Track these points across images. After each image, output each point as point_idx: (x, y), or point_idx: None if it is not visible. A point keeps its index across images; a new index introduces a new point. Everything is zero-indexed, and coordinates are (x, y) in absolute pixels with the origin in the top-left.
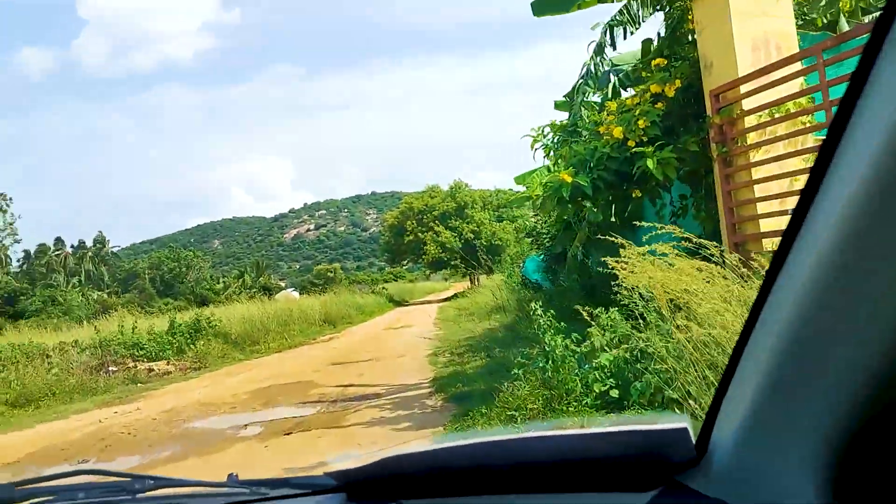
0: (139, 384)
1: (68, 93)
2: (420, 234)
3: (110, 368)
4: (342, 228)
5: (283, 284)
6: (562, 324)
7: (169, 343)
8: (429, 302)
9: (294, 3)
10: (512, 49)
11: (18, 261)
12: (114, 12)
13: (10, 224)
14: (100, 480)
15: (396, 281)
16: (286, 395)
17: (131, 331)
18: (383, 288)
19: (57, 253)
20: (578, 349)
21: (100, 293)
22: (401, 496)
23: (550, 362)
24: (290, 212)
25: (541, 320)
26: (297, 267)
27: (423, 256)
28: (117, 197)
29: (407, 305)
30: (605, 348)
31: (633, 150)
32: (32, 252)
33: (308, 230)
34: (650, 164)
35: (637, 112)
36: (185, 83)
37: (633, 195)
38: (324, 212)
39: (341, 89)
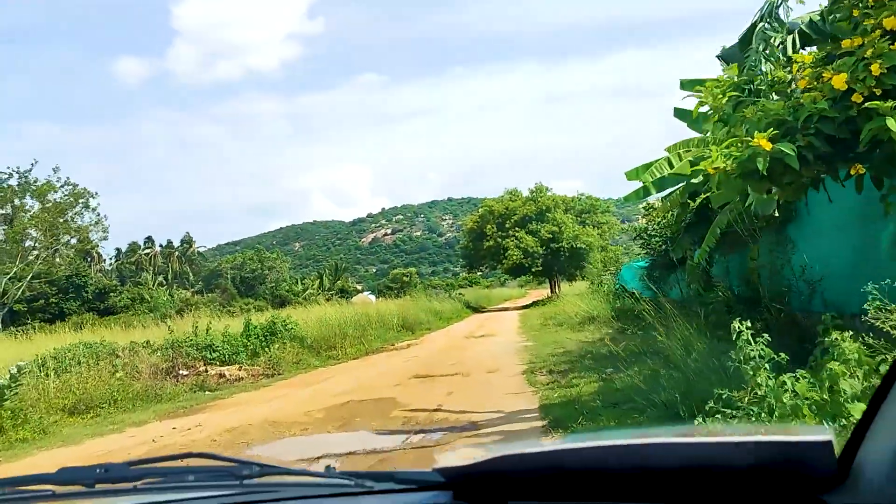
0: (207, 392)
1: (161, 100)
2: (500, 238)
3: (180, 372)
4: (418, 233)
5: (359, 288)
6: (781, 355)
7: (243, 346)
8: (506, 309)
9: (376, 12)
10: (591, 56)
11: (110, 259)
12: (204, 22)
13: (97, 221)
14: (209, 465)
15: (471, 287)
16: (365, 415)
17: (206, 332)
18: (460, 293)
19: (147, 252)
20: (815, 394)
21: (184, 291)
22: (511, 497)
23: (772, 414)
24: (367, 216)
25: (749, 349)
26: (374, 271)
27: (503, 262)
28: (204, 200)
29: (484, 312)
30: (858, 396)
31: (861, 105)
32: (123, 251)
33: (385, 234)
34: (892, 123)
35: (868, 53)
36: (271, 92)
37: (851, 171)
38: (400, 216)
39: (421, 97)
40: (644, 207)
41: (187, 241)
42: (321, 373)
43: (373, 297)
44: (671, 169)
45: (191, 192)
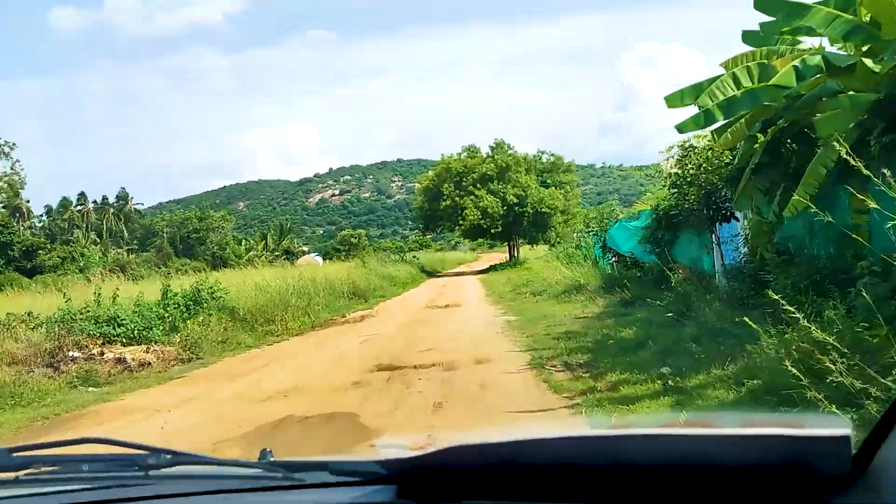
0: (91, 388)
1: (100, 53)
2: (458, 198)
3: (70, 354)
4: (367, 195)
5: (306, 249)
6: None
7: (159, 318)
8: (462, 274)
9: None
10: (545, 19)
11: (41, 215)
12: None
13: (14, 172)
14: (109, 451)
15: (422, 250)
16: (313, 449)
17: (111, 300)
18: (415, 257)
19: (79, 208)
20: None
21: (118, 251)
22: (465, 495)
23: None
24: (315, 176)
25: None
26: (321, 232)
27: (462, 223)
28: (145, 157)
29: (439, 277)
30: None
31: None
32: (55, 207)
33: (333, 195)
34: None
35: None
36: (215, 46)
37: None
38: (349, 177)
39: (372, 56)
40: (681, 146)
41: (123, 198)
42: (253, 357)
43: (319, 260)
44: (738, 89)
45: (131, 148)
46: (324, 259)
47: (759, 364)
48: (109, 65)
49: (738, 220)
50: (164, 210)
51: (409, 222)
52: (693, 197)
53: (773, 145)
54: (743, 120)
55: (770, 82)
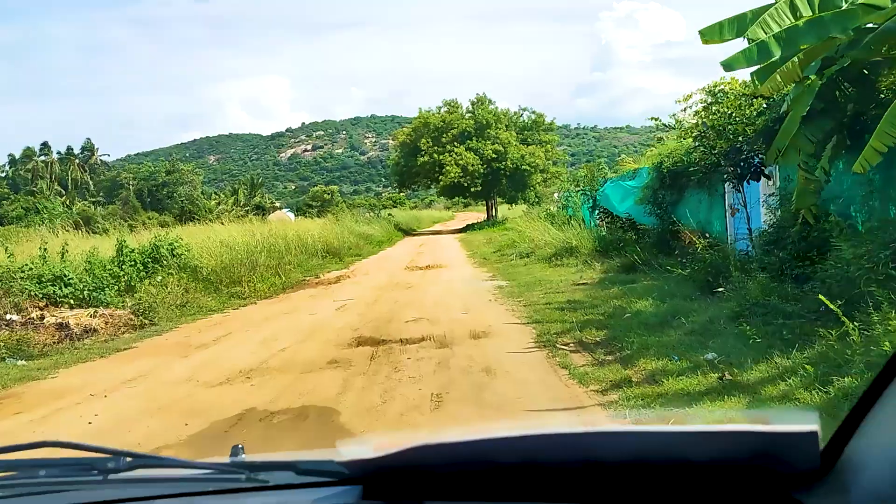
0: (21, 361)
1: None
2: (436, 154)
3: (8, 317)
4: (340, 151)
5: (277, 205)
6: None
7: (113, 277)
8: (438, 232)
9: None
10: None
11: (3, 165)
12: None
13: None
14: (67, 455)
15: (396, 207)
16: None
17: (60, 255)
18: (390, 214)
19: (43, 159)
20: None
21: (84, 203)
22: (430, 495)
23: None
24: (287, 131)
25: None
26: (293, 188)
27: (440, 179)
28: (113, 107)
29: (415, 235)
30: None
31: None
32: (18, 157)
33: (305, 150)
34: None
35: None
36: None
37: None
38: (322, 133)
39: (347, 9)
40: (709, 90)
41: (89, 149)
42: (215, 325)
43: (291, 215)
44: (796, 19)
45: (98, 98)
46: (296, 215)
47: (847, 356)
48: (74, 11)
49: (768, 177)
50: (132, 162)
51: (383, 179)
52: (719, 150)
53: (828, 89)
54: (798, 57)
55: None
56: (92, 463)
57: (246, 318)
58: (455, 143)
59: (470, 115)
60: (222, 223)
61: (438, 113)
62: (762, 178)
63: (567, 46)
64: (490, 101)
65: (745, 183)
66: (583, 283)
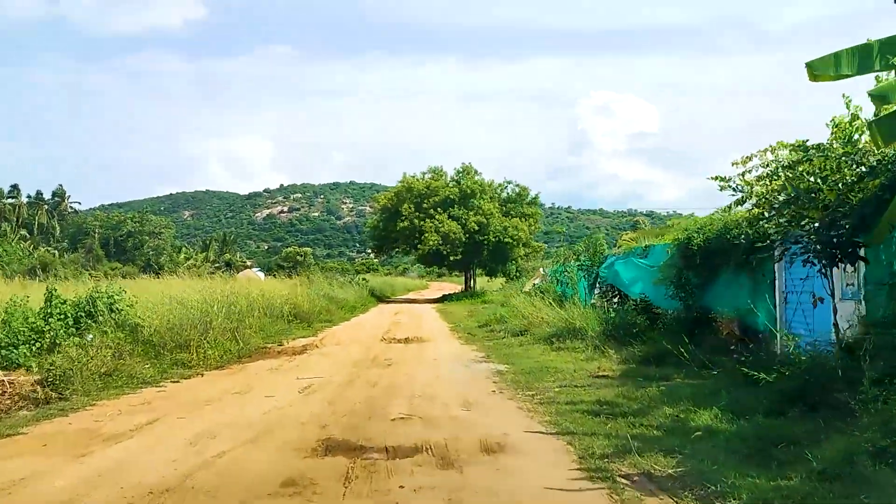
0: None
1: (53, 47)
2: (417, 220)
3: None
4: (316, 214)
5: (248, 264)
6: None
7: (36, 332)
8: (413, 301)
9: None
10: (508, 60)
11: None
12: None
13: None
14: None
15: (368, 272)
16: None
17: None
18: (364, 279)
19: (11, 201)
20: None
21: (46, 249)
22: None
23: None
24: (264, 191)
25: None
26: (266, 248)
27: (419, 246)
28: (90, 156)
29: (389, 302)
30: None
31: None
32: None
33: (281, 212)
34: None
35: None
36: (174, 51)
37: None
38: (299, 195)
39: (334, 77)
40: (797, 145)
41: (59, 195)
42: (142, 405)
43: (261, 275)
44: None
45: (75, 146)
46: (266, 275)
47: None
48: (61, 60)
49: (865, 260)
50: (105, 212)
51: (358, 245)
52: (807, 222)
53: None
54: None
55: None
56: None
57: (184, 398)
58: (437, 210)
59: (454, 183)
60: (180, 277)
61: (423, 179)
62: (858, 261)
63: (545, 128)
64: (476, 171)
65: (836, 263)
66: (602, 376)
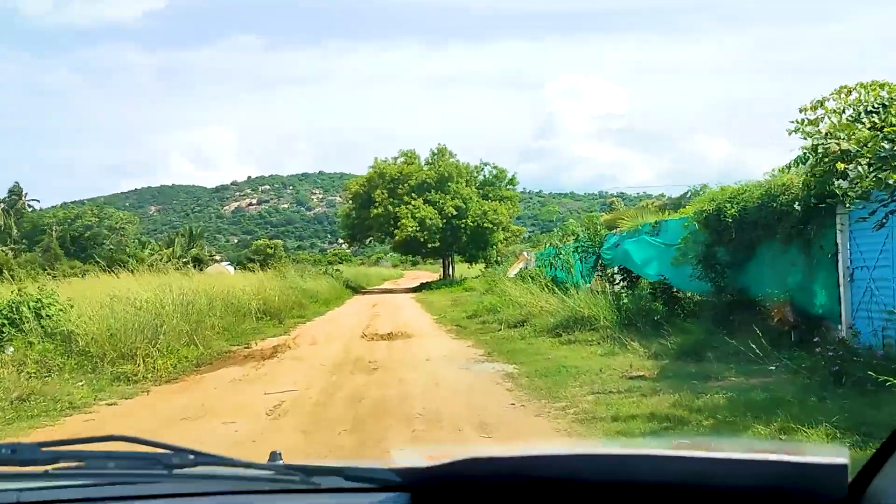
0: None
1: (4, 40)
2: (391, 206)
3: None
4: (286, 206)
5: (218, 258)
6: None
7: None
8: (390, 291)
9: None
10: (472, 42)
11: None
12: None
13: None
14: (134, 450)
15: (341, 264)
16: None
17: None
18: (338, 270)
19: None
20: None
21: (1, 249)
22: None
23: None
24: (232, 184)
25: None
26: (236, 241)
27: (395, 234)
28: (49, 153)
29: (365, 293)
30: None
31: None
32: None
33: (250, 204)
34: None
35: None
36: (133, 43)
37: None
38: (267, 187)
39: (299, 65)
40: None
41: (16, 193)
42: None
43: (231, 269)
44: None
45: (33, 142)
46: (236, 268)
47: None
48: (13, 53)
49: None
50: (67, 210)
51: (329, 236)
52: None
53: None
54: None
55: None
56: (157, 458)
57: (117, 428)
58: (412, 196)
59: (429, 166)
60: (138, 274)
61: (395, 163)
62: None
63: (514, 112)
64: (451, 153)
65: None
66: (638, 376)
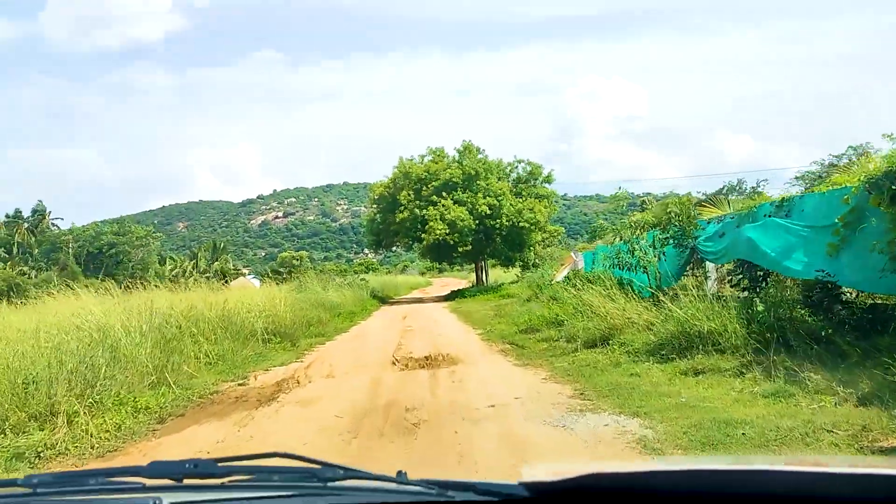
0: None
1: (32, 65)
2: (418, 209)
3: None
4: (311, 218)
5: (245, 271)
6: None
7: None
8: (420, 300)
9: None
10: (494, 51)
11: None
12: None
13: None
14: (294, 465)
15: (368, 272)
16: None
17: None
18: (363, 279)
19: None
20: None
21: (21, 268)
22: None
23: None
24: (258, 198)
25: None
26: (263, 255)
27: (424, 238)
28: (79, 173)
29: (394, 303)
30: None
31: None
32: None
33: (276, 217)
34: None
35: None
36: (158, 63)
37: None
38: (293, 199)
39: (322, 79)
40: None
41: (40, 212)
42: None
43: (256, 282)
44: None
45: (63, 164)
46: (261, 281)
47: None
48: (41, 78)
49: None
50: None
51: (355, 245)
52: None
53: None
54: None
55: None
56: (314, 472)
57: None
58: (441, 196)
59: (457, 164)
60: (144, 288)
61: (422, 162)
62: None
63: (535, 118)
64: (478, 149)
65: None
66: (888, 449)
